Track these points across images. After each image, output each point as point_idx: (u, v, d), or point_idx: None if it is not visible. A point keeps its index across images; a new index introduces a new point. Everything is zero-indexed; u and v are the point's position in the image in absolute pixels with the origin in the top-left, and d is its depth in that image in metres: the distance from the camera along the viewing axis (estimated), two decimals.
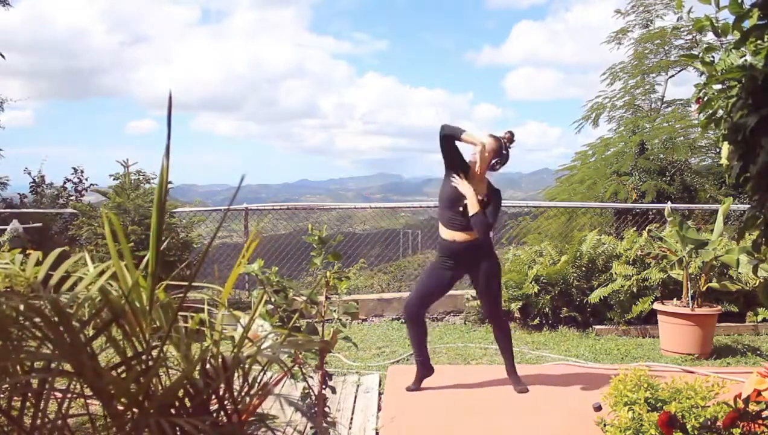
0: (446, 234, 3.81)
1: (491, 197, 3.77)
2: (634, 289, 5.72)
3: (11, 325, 1.10)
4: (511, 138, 3.84)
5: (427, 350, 4.00)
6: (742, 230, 1.80)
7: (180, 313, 1.29)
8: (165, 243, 5.61)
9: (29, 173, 9.54)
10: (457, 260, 3.83)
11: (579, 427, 3.29)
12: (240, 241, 7.33)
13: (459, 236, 3.77)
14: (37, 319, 1.12)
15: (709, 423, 2.00)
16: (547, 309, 5.85)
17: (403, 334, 5.65)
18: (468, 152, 3.83)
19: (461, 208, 3.73)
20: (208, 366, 1.21)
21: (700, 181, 11.40)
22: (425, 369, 3.97)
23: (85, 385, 1.18)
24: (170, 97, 1.12)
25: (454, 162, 3.79)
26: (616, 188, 11.03)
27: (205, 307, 1.51)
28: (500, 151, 3.79)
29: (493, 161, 3.79)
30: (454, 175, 3.77)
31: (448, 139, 3.73)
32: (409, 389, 3.93)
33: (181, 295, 1.24)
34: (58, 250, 1.31)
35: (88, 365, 1.09)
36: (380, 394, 3.96)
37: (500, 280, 3.93)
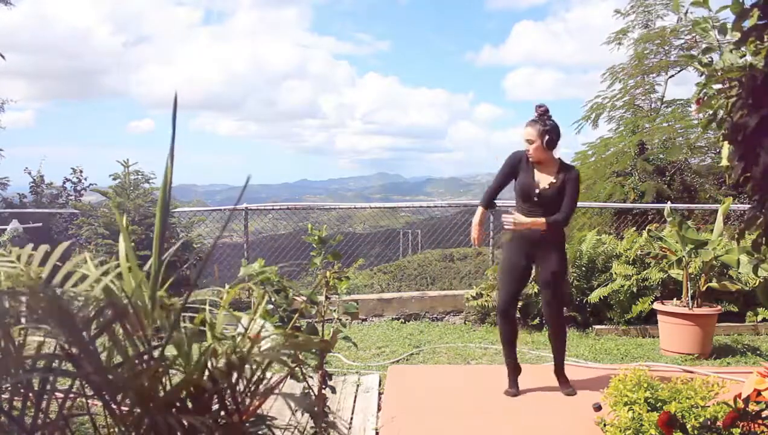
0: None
1: (564, 180, 3.71)
2: (634, 289, 5.72)
3: (14, 323, 1.10)
4: (543, 111, 3.77)
5: (515, 351, 3.97)
6: (743, 231, 1.80)
7: (181, 314, 1.30)
8: (175, 247, 5.61)
9: (29, 173, 9.55)
10: (527, 248, 3.81)
11: (579, 427, 3.29)
12: (240, 241, 7.33)
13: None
14: (40, 317, 1.12)
15: (709, 423, 2.00)
16: None
17: (402, 333, 5.65)
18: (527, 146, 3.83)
19: (536, 199, 3.75)
20: (210, 366, 1.21)
21: (700, 181, 11.41)
22: (516, 369, 3.96)
23: (86, 385, 1.18)
24: (176, 100, 1.12)
25: (509, 179, 3.93)
26: (615, 188, 11.04)
27: (207, 307, 1.51)
28: (543, 131, 3.71)
29: (545, 141, 3.70)
30: (508, 214, 3.82)
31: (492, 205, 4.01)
32: (508, 393, 3.87)
33: (183, 295, 1.24)
34: (64, 244, 1.31)
35: (97, 362, 1.09)
36: (380, 394, 3.95)
37: (563, 276, 3.84)
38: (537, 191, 3.74)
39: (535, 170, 3.79)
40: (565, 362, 3.93)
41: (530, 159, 3.78)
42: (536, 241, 3.76)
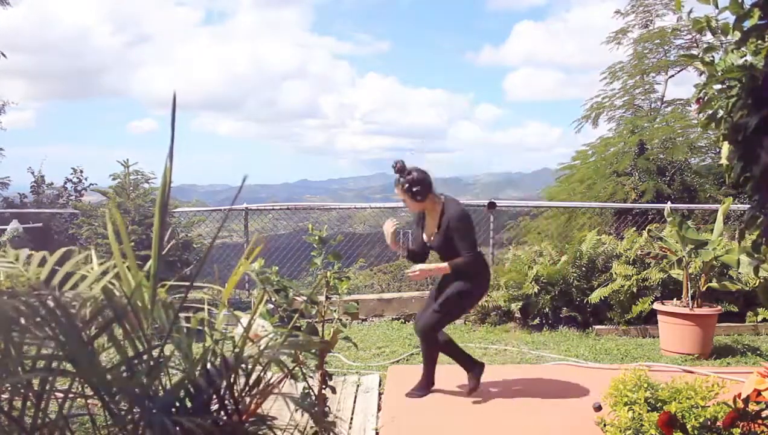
0: None
1: (447, 226, 3.64)
2: (634, 289, 5.72)
3: (13, 324, 1.10)
4: (399, 168, 3.69)
5: (470, 358, 3.98)
6: (743, 231, 1.80)
7: (181, 313, 1.30)
8: (169, 245, 5.61)
9: (32, 173, 9.56)
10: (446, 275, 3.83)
11: (579, 427, 3.29)
12: (240, 241, 7.33)
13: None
14: (40, 319, 1.12)
15: (709, 423, 2.00)
16: (547, 309, 5.85)
17: (403, 334, 5.65)
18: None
19: (431, 248, 3.85)
20: (209, 366, 1.21)
21: (700, 181, 11.40)
22: (480, 368, 3.96)
23: (86, 385, 1.18)
24: (174, 100, 1.12)
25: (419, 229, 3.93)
26: (615, 188, 11.03)
27: (206, 306, 1.51)
28: (405, 189, 3.66)
29: (412, 196, 3.66)
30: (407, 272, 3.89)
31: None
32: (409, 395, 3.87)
33: (181, 295, 1.24)
34: (62, 250, 1.31)
35: (91, 363, 1.09)
36: (380, 394, 3.96)
37: (449, 306, 3.72)
38: (428, 244, 3.81)
39: (426, 219, 3.82)
40: (563, 363, 3.90)
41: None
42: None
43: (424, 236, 3.84)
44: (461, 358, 3.95)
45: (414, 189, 3.64)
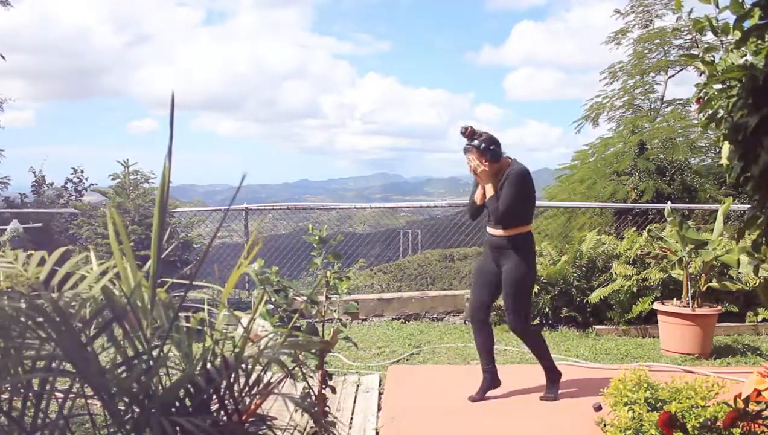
0: (487, 228, 3.80)
1: (506, 179, 3.61)
2: (634, 289, 5.72)
3: (13, 324, 1.10)
4: (470, 133, 3.66)
5: (494, 359, 3.84)
6: (742, 230, 1.80)
7: (181, 313, 1.30)
8: (172, 246, 5.61)
9: (34, 173, 9.56)
10: (493, 254, 3.77)
11: (579, 427, 3.29)
12: (240, 241, 7.33)
13: (492, 231, 3.75)
14: (39, 319, 1.12)
15: (709, 423, 2.00)
16: (547, 309, 5.84)
17: (402, 334, 5.65)
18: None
19: (487, 208, 3.73)
20: (209, 366, 1.21)
21: (700, 181, 11.39)
22: (492, 381, 3.83)
23: (86, 385, 1.18)
24: (173, 100, 1.12)
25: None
26: (615, 188, 11.03)
27: (205, 306, 1.51)
28: (482, 150, 3.61)
29: (489, 158, 3.62)
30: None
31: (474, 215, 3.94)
32: (472, 399, 3.77)
33: (181, 295, 1.24)
34: (61, 250, 1.31)
35: (88, 364, 1.09)
36: (380, 394, 3.95)
37: (521, 287, 3.67)
38: (486, 201, 3.70)
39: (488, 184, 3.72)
40: (563, 363, 3.90)
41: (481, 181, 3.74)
42: (498, 247, 3.72)
43: (486, 194, 3.73)
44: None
45: (491, 147, 3.60)
